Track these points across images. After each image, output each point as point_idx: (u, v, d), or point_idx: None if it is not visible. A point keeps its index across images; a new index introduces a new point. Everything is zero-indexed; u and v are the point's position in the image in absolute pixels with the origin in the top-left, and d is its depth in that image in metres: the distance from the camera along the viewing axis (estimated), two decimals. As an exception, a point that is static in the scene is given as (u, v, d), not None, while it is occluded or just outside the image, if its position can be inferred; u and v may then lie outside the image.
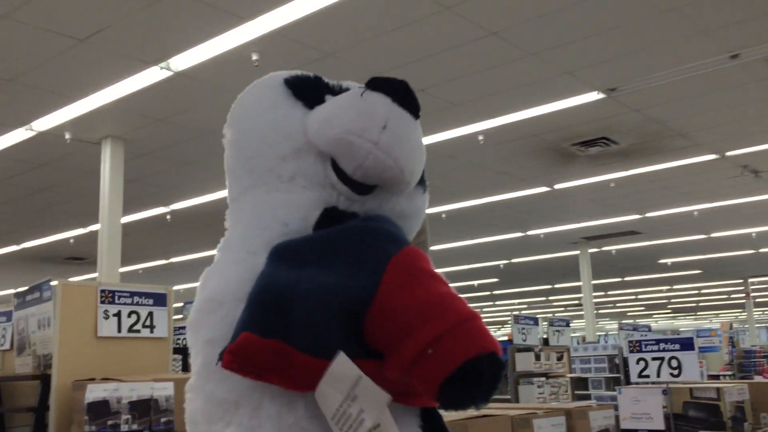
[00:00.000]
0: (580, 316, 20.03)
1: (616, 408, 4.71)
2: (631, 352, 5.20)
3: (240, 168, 1.08)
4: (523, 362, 7.58)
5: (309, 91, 1.07)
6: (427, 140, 7.76)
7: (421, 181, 1.12)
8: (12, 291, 4.14)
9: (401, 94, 1.02)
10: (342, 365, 0.85)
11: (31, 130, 7.17)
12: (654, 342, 5.15)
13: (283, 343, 0.87)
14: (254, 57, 5.47)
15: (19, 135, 7.32)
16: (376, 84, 1.02)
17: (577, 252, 15.23)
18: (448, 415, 3.67)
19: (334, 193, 1.02)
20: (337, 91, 1.10)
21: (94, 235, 8.50)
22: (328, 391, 0.86)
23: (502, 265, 17.26)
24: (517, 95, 6.68)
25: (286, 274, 0.91)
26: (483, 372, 0.83)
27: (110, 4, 4.88)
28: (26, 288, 3.95)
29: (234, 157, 1.09)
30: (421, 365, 0.84)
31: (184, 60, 5.72)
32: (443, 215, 11.42)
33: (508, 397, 7.58)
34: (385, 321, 0.88)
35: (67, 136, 7.21)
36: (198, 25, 5.17)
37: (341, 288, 0.89)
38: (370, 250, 0.93)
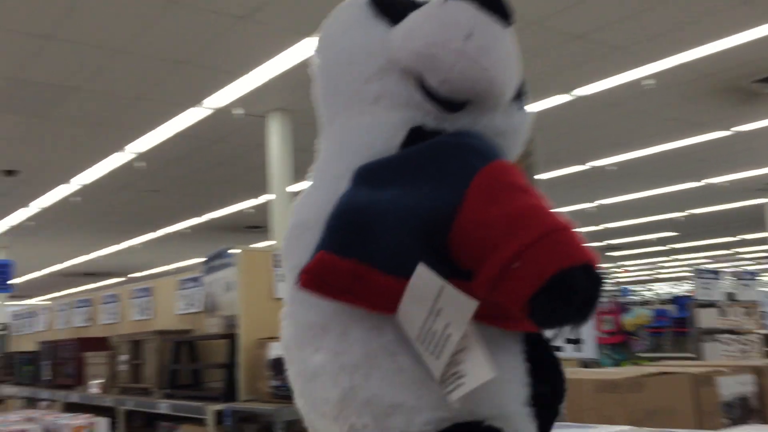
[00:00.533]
0: (771, 269, 18.50)
1: (814, 366, 4.29)
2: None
3: (327, 94, 1.05)
4: (707, 318, 7.14)
5: (392, 6, 1.01)
6: (589, 89, 7.42)
7: (518, 97, 1.03)
8: (201, 259, 4.49)
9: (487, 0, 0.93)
10: (423, 277, 0.80)
11: (204, 108, 7.66)
12: None
13: (361, 263, 0.83)
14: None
15: (194, 114, 7.85)
16: None
17: (764, 200, 13.99)
18: (619, 372, 3.52)
19: (422, 112, 0.96)
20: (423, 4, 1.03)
21: (269, 204, 8.97)
22: (411, 309, 0.81)
23: (680, 218, 16.25)
24: (688, 32, 6.18)
25: (366, 194, 0.88)
26: (576, 285, 0.75)
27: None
28: (211, 255, 4.26)
29: (321, 84, 1.06)
30: (507, 280, 0.77)
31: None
32: (614, 167, 10.92)
33: (693, 355, 7.18)
34: (469, 237, 0.82)
35: (237, 111, 7.63)
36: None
37: (422, 205, 0.84)
38: (453, 165, 0.88)
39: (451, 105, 0.95)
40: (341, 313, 0.86)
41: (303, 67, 6.50)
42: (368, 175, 0.90)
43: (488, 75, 0.92)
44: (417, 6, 1.01)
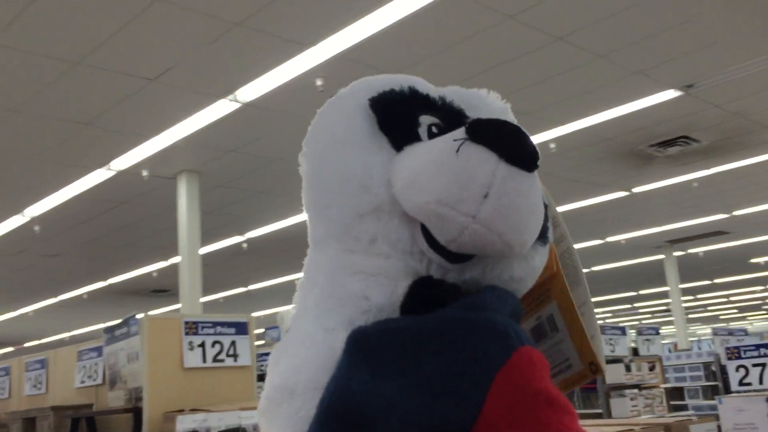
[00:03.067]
0: (670, 323, 19.34)
1: (716, 418, 4.46)
2: (729, 359, 4.93)
3: (315, 215, 0.89)
4: (613, 374, 7.32)
5: (399, 119, 0.86)
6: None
7: (541, 234, 0.87)
8: (102, 326, 4.27)
9: (509, 145, 0.78)
10: None
11: (110, 170, 7.44)
12: (753, 347, 4.87)
13: None
14: (318, 83, 5.52)
15: (99, 176, 7.60)
16: (477, 132, 0.79)
17: (662, 256, 14.72)
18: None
19: (425, 260, 0.82)
20: (438, 106, 0.89)
21: (176, 267, 8.72)
22: None
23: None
24: (588, 99, 6.51)
25: (366, 381, 0.75)
26: None
27: (176, 42, 5.01)
28: (114, 323, 4.06)
29: (308, 198, 0.90)
30: None
31: (251, 91, 5.82)
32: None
33: (600, 411, 7.33)
34: None
35: (144, 173, 7.44)
36: (262, 55, 5.25)
37: (430, 414, 0.72)
38: (468, 359, 0.74)
39: (457, 257, 0.82)
40: None
41: (212, 128, 6.45)
42: (367, 350, 0.77)
43: (504, 239, 0.79)
44: (432, 106, 0.89)
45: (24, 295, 14.29)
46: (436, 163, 0.79)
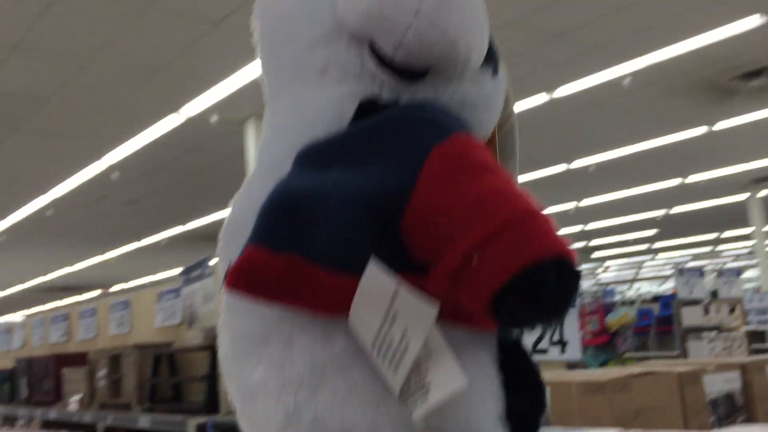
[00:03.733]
0: (753, 266, 18.66)
1: (799, 361, 4.29)
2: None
3: (269, 65, 0.91)
4: (690, 316, 7.14)
5: None
6: (569, 89, 7.42)
7: (490, 61, 0.88)
8: (180, 270, 4.43)
9: None
10: (375, 277, 0.68)
11: (180, 115, 7.57)
12: (841, 287, 4.64)
13: (299, 257, 0.70)
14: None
15: (170, 122, 7.75)
16: None
17: (746, 196, 14.10)
18: (605, 374, 3.48)
19: (376, 83, 0.82)
20: None
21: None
22: (363, 313, 0.68)
23: (661, 216, 16.34)
24: (665, 30, 6.18)
25: (307, 178, 0.75)
26: (546, 282, 0.63)
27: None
28: (190, 266, 4.18)
29: (262, 54, 0.92)
30: (466, 277, 0.65)
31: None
32: (591, 168, 10.93)
33: (676, 353, 7.18)
34: (423, 226, 0.69)
35: (213, 118, 7.55)
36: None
37: (370, 188, 0.71)
38: (406, 142, 0.74)
39: (408, 74, 0.82)
40: (284, 321, 0.74)
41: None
42: (310, 157, 0.78)
43: (449, 37, 0.79)
44: None
45: (105, 242, 14.90)
46: None
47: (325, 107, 0.83)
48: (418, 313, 0.66)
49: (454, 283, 0.66)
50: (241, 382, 0.78)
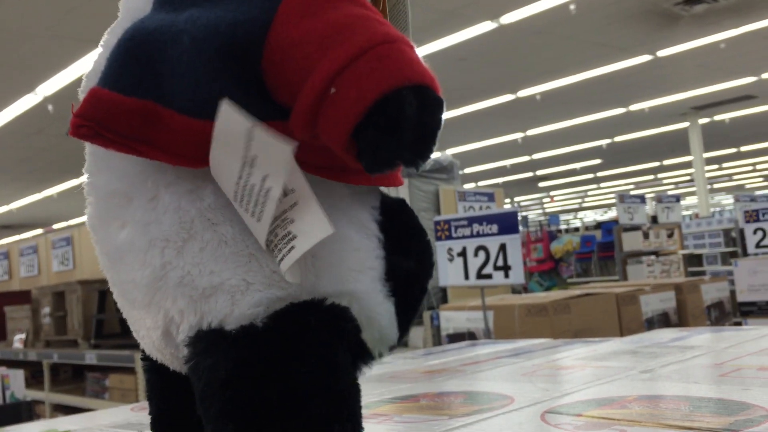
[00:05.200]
0: (693, 194, 19.24)
1: (732, 282, 4.47)
2: (747, 222, 4.89)
3: None
4: (631, 241, 7.35)
5: None
6: (514, 16, 7.36)
7: None
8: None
9: None
10: (228, 118, 0.61)
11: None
12: (772, 209, 4.81)
13: (149, 101, 0.63)
14: None
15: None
16: None
17: (687, 124, 14.42)
18: (547, 296, 3.58)
19: None
20: None
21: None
22: (222, 159, 0.63)
23: (605, 145, 16.63)
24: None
25: (159, 18, 0.67)
26: (405, 110, 0.58)
27: None
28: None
29: None
30: (324, 111, 0.60)
31: None
32: (537, 96, 10.98)
33: (617, 277, 7.42)
34: (281, 61, 0.63)
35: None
36: None
37: (225, 22, 0.64)
38: None
39: None
40: (147, 176, 0.68)
41: None
42: (165, 1, 0.69)
43: None
44: None
45: (46, 177, 14.49)
46: None
47: None
48: (275, 154, 0.61)
49: (314, 120, 0.61)
50: (107, 244, 0.73)
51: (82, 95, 0.73)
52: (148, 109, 0.64)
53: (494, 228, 3.29)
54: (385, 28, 0.63)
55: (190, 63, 0.64)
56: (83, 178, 0.76)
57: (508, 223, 3.28)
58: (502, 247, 3.24)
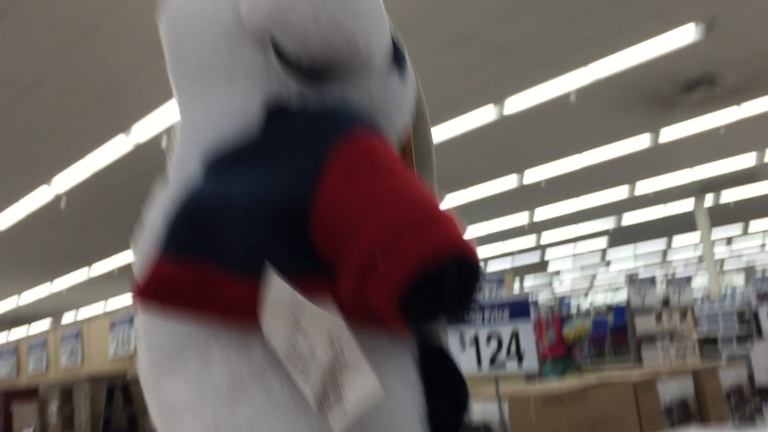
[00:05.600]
0: (702, 274, 19.09)
1: (749, 365, 4.39)
2: (761, 302, 4.86)
3: (176, 72, 0.91)
4: (643, 324, 7.27)
5: None
6: (517, 106, 7.54)
7: (397, 64, 0.89)
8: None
9: None
10: (276, 286, 0.66)
11: (130, 139, 7.46)
12: (786, 290, 4.78)
13: (207, 265, 0.68)
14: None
15: (120, 147, 7.63)
16: None
17: (693, 204, 14.46)
18: (562, 386, 3.52)
19: (281, 85, 0.82)
20: None
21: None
22: (272, 324, 0.67)
23: (611, 227, 16.65)
24: (606, 44, 6.34)
25: (212, 184, 0.74)
26: (447, 280, 0.63)
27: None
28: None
29: (170, 61, 0.91)
30: (371, 278, 0.64)
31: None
32: (542, 183, 11.10)
33: (632, 360, 7.29)
34: (329, 229, 0.69)
35: (164, 143, 7.45)
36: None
37: (274, 189, 0.70)
38: (310, 143, 0.73)
39: (313, 73, 0.82)
40: (199, 335, 0.71)
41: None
42: (217, 164, 0.76)
43: (352, 40, 0.79)
44: None
45: (57, 271, 14.53)
46: None
47: (234, 112, 0.82)
48: (320, 323, 0.65)
49: (361, 284, 0.66)
50: (161, 399, 0.76)
51: (138, 256, 0.79)
52: (204, 276, 0.68)
53: (506, 314, 3.28)
54: (427, 204, 0.68)
55: (244, 231, 0.68)
56: (135, 330, 0.81)
57: (520, 309, 3.26)
58: (515, 334, 3.21)
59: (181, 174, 0.81)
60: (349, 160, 0.71)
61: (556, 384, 3.65)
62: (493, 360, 3.29)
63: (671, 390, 3.20)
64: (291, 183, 0.71)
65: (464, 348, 3.39)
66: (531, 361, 3.11)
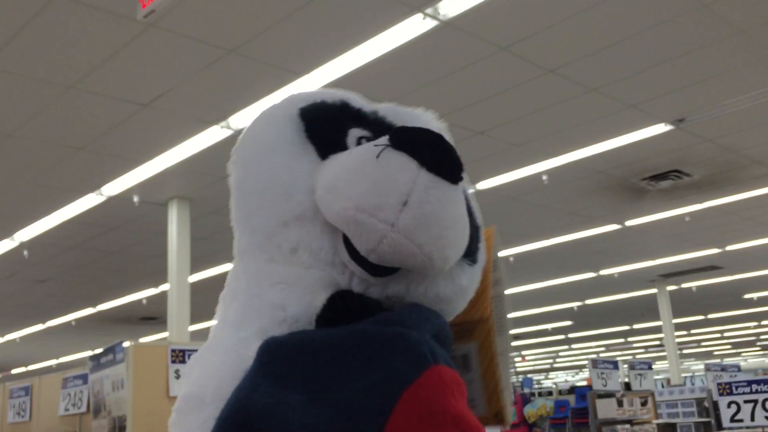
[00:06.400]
0: (663, 358, 19.24)
1: (709, 456, 4.40)
2: (721, 395, 4.88)
3: (240, 225, 0.88)
4: (605, 409, 7.24)
5: (327, 129, 0.84)
6: (490, 183, 7.67)
7: (469, 252, 0.85)
8: (91, 353, 4.20)
9: (432, 153, 0.76)
10: None
11: (101, 195, 7.40)
12: (745, 383, 4.83)
13: None
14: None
15: (90, 200, 7.56)
16: (399, 139, 0.77)
17: (655, 290, 14.68)
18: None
19: (347, 272, 0.80)
20: (370, 121, 0.88)
21: (165, 294, 8.64)
22: None
23: (575, 308, 16.77)
24: (580, 132, 6.53)
25: (271, 393, 0.71)
26: None
27: (169, 69, 5.01)
28: (100, 351, 3.99)
29: (235, 207, 0.89)
30: None
31: (244, 118, 5.81)
32: (511, 258, 11.20)
33: (592, 446, 7.23)
34: None
35: (135, 199, 7.40)
36: (255, 82, 5.25)
37: (331, 427, 0.68)
38: (376, 375, 0.69)
39: (379, 270, 0.79)
40: None
41: (204, 155, 6.43)
42: (276, 360, 0.74)
43: (425, 251, 0.75)
44: (363, 120, 0.86)
45: (12, 321, 14.12)
46: (355, 168, 0.77)
47: (295, 292, 0.80)
48: None
49: None
50: None
51: (177, 412, 0.80)
52: None
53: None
54: None
55: None
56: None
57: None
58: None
59: (232, 339, 0.80)
60: (415, 411, 0.68)
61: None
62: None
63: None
64: (351, 422, 0.68)
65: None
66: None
